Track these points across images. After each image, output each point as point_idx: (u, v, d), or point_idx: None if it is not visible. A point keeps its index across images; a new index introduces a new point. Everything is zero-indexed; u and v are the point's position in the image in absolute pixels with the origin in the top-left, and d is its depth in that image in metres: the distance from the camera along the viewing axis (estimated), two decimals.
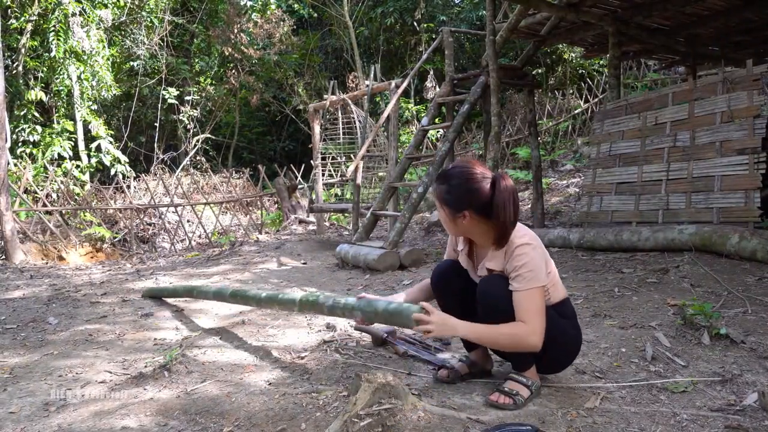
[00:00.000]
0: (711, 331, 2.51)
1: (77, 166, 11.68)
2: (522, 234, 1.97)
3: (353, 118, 8.13)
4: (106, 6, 12.51)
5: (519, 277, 1.90)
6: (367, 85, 7.29)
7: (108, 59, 12.64)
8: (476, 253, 2.13)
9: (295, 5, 17.40)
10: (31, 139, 11.34)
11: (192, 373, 2.51)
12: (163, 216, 9.96)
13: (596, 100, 13.40)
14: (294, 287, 4.61)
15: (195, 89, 15.57)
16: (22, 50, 11.16)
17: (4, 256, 7.12)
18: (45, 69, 11.59)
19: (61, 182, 10.00)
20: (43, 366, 2.72)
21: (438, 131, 12.23)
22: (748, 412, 1.82)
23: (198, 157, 15.28)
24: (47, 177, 9.84)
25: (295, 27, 16.68)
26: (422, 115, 13.57)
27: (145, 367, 2.63)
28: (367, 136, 6.92)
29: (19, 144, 11.28)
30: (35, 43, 11.47)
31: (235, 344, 2.97)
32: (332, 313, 2.36)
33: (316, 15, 18.06)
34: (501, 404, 1.92)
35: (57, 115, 12.09)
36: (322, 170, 9.16)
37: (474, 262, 2.13)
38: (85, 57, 11.59)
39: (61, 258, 7.85)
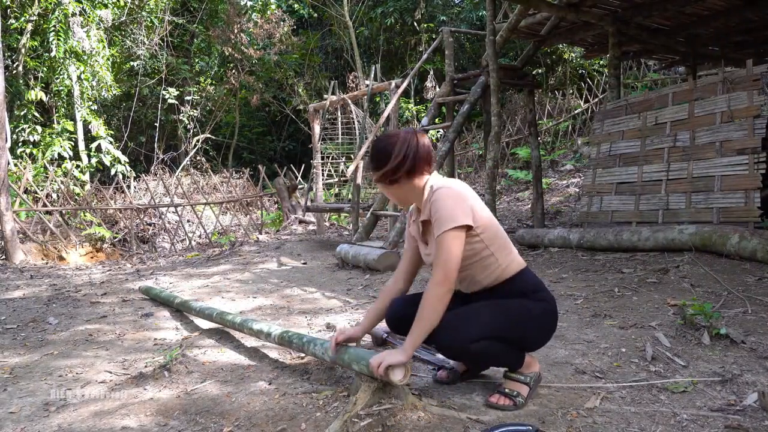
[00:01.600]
0: (711, 331, 2.51)
1: (77, 166, 11.68)
2: (443, 181, 1.93)
3: (353, 118, 8.13)
4: (106, 6, 12.51)
5: (435, 223, 1.83)
6: (367, 85, 7.29)
7: (108, 59, 12.64)
8: (421, 217, 2.04)
9: (295, 5, 17.41)
10: (31, 139, 11.34)
11: (192, 373, 2.51)
12: (163, 216, 9.96)
13: (596, 100, 13.40)
14: (294, 287, 4.61)
15: (195, 89, 15.58)
16: (22, 50, 11.16)
17: (4, 256, 7.12)
18: (45, 69, 11.58)
19: (61, 182, 10.00)
20: (43, 366, 2.72)
21: (438, 131, 12.23)
22: (748, 412, 1.82)
23: (198, 157, 15.28)
24: (47, 177, 9.84)
25: (295, 27, 16.69)
26: (422, 115, 13.57)
27: (145, 367, 2.63)
28: (367, 136, 6.92)
29: (19, 144, 11.28)
30: (35, 43, 11.47)
31: (235, 344, 2.97)
32: (305, 351, 2.38)
33: (316, 15, 18.07)
34: (501, 406, 1.92)
35: (57, 115, 12.09)
36: (322, 170, 9.16)
37: (419, 227, 2.05)
38: (85, 57, 11.59)
39: (61, 258, 7.85)
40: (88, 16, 11.71)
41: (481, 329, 1.84)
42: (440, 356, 2.57)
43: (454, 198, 1.84)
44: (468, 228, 1.84)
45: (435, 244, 1.84)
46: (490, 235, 1.90)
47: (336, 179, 10.94)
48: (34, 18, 11.09)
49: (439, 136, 13.09)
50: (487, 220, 1.91)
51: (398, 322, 2.10)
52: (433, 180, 1.95)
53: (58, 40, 10.94)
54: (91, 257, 8.33)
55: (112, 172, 11.90)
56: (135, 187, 11.94)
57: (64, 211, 9.12)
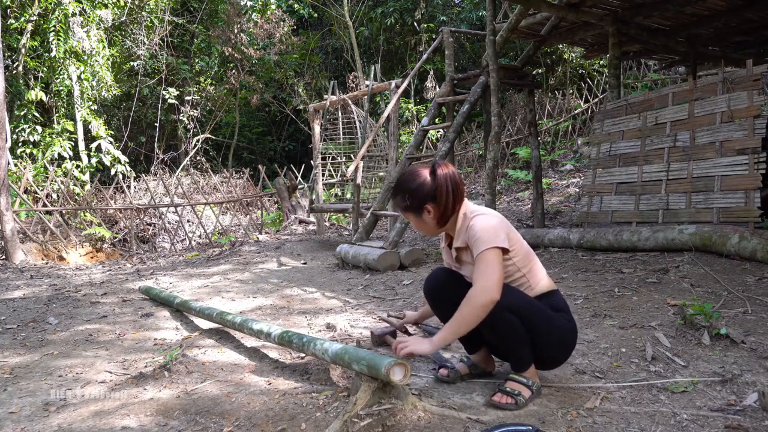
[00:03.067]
0: (711, 331, 2.50)
1: (77, 166, 11.68)
2: (478, 209, 2.04)
3: (353, 118, 8.12)
4: (106, 6, 12.51)
5: (474, 244, 1.93)
6: (367, 85, 7.29)
7: (108, 59, 12.64)
8: (454, 245, 2.15)
9: (295, 5, 17.40)
10: (31, 139, 11.34)
11: (192, 373, 2.51)
12: (163, 216, 9.96)
13: (596, 100, 13.40)
14: (294, 287, 4.61)
15: (195, 89, 15.58)
16: (22, 50, 11.16)
17: (4, 256, 7.12)
18: (45, 69, 11.59)
19: (62, 182, 10.00)
20: (43, 366, 2.72)
21: (438, 131, 12.23)
22: (748, 412, 1.82)
23: (198, 157, 15.28)
24: (47, 177, 9.84)
25: (295, 27, 16.69)
26: (422, 115, 13.57)
27: (145, 367, 2.63)
28: (367, 136, 6.92)
29: (19, 144, 11.28)
30: (35, 43, 11.47)
31: (235, 344, 2.97)
32: (305, 351, 2.37)
33: (316, 15, 18.07)
34: (503, 404, 1.92)
35: (57, 115, 12.09)
36: (322, 170, 9.15)
37: (453, 253, 2.17)
38: (85, 57, 11.59)
39: (61, 258, 7.85)
40: (88, 16, 11.71)
41: (517, 302, 1.94)
42: (441, 355, 2.57)
43: (492, 224, 1.96)
44: (504, 251, 1.94)
45: (475, 262, 1.91)
46: (522, 258, 2.03)
47: (336, 179, 10.94)
48: (34, 18, 11.09)
49: (439, 136, 13.09)
50: (520, 245, 2.04)
51: (435, 293, 2.21)
52: (465, 208, 2.06)
53: (58, 40, 10.94)
54: (91, 257, 8.33)
55: (112, 172, 11.90)
56: (135, 187, 11.94)
57: (64, 211, 9.12)
